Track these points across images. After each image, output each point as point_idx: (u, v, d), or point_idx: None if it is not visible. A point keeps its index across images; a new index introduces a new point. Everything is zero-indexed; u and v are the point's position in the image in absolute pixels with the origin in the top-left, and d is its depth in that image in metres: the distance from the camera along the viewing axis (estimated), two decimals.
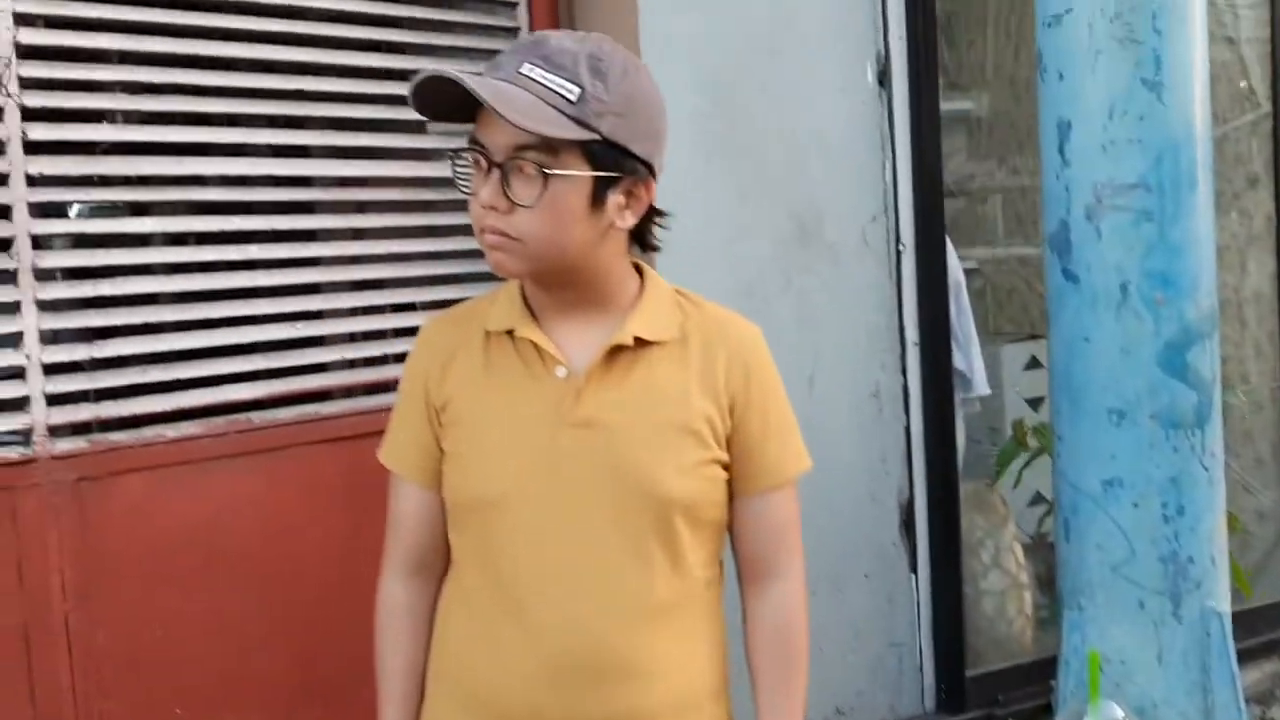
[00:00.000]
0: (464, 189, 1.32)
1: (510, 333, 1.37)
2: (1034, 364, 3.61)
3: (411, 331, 2.18)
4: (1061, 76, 1.97)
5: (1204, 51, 1.95)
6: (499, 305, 1.40)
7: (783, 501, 1.45)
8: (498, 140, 1.25)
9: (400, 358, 2.18)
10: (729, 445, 1.40)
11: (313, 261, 2.12)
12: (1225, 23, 3.25)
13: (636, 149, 1.30)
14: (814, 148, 2.51)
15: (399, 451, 1.43)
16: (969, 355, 2.89)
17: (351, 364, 2.16)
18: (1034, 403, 3.56)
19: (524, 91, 1.24)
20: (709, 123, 2.37)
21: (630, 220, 1.34)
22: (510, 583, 1.35)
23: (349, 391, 2.16)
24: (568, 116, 1.24)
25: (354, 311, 2.17)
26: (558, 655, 1.34)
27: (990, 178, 3.95)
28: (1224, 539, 2.04)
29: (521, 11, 2.31)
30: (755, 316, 2.48)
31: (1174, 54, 1.89)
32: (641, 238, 1.40)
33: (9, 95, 1.76)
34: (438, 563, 1.45)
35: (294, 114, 2.06)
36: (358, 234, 2.21)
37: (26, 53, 1.80)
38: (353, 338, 2.20)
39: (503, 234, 1.27)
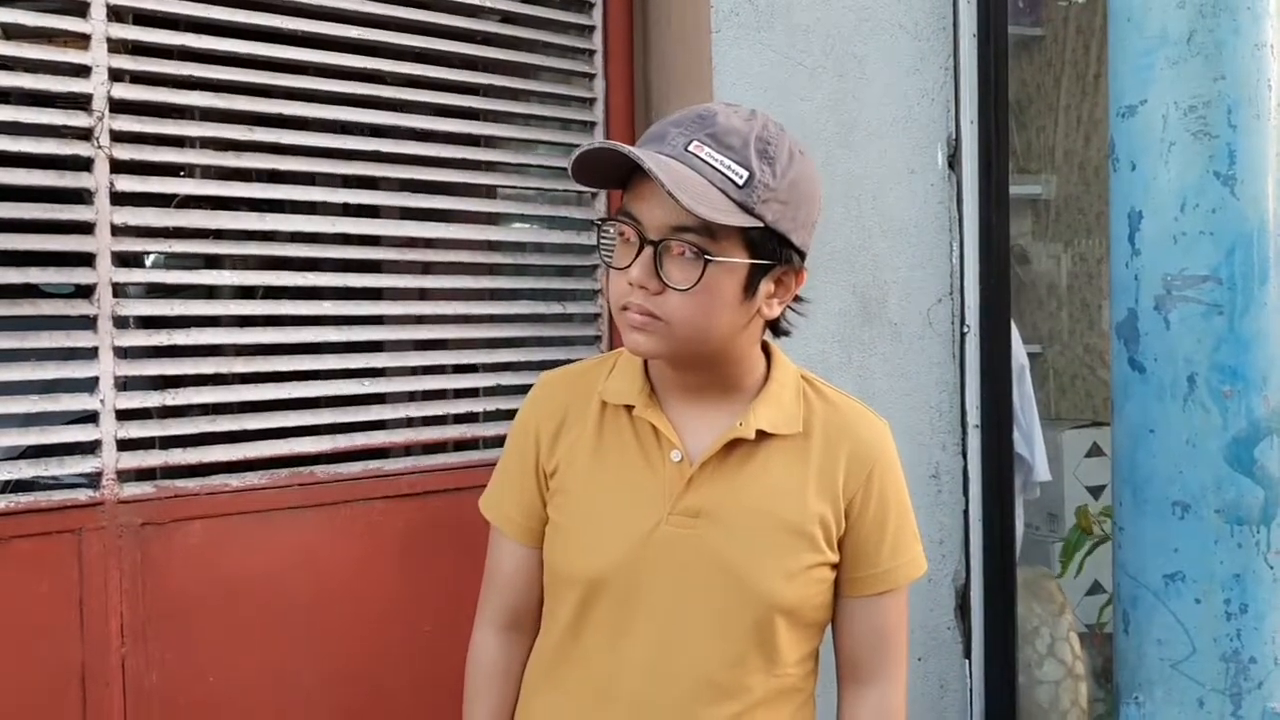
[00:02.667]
0: (607, 260, 1.28)
1: (629, 408, 1.34)
2: (1095, 451, 3.56)
3: (472, 393, 2.22)
4: (1134, 166, 1.96)
5: (1277, 146, 1.94)
6: (619, 376, 1.36)
7: (891, 606, 1.38)
8: (655, 217, 1.22)
9: (461, 418, 2.21)
10: (840, 545, 1.35)
11: (378, 320, 2.16)
12: None
13: (795, 239, 1.26)
14: (881, 228, 2.52)
15: (501, 506, 1.42)
16: (1031, 440, 2.87)
17: (410, 422, 2.18)
18: (1094, 490, 3.51)
19: (693, 172, 1.20)
20: None
21: (777, 310, 1.31)
22: (599, 664, 1.33)
23: (408, 449, 2.18)
24: (733, 201, 1.20)
25: (416, 370, 2.20)
26: None
27: (1057, 262, 3.93)
28: None
29: (599, 84, 2.36)
30: None
31: (1248, 148, 1.88)
32: (776, 324, 1.35)
33: (100, 147, 1.83)
34: (533, 620, 1.44)
35: (367, 174, 2.10)
36: (423, 294, 2.24)
37: (117, 106, 1.86)
38: (413, 396, 2.23)
39: (650, 314, 1.23)
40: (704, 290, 1.21)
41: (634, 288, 1.23)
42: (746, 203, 1.21)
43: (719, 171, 1.21)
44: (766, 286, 1.27)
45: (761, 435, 1.31)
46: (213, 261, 2.05)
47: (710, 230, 1.20)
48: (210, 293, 2.11)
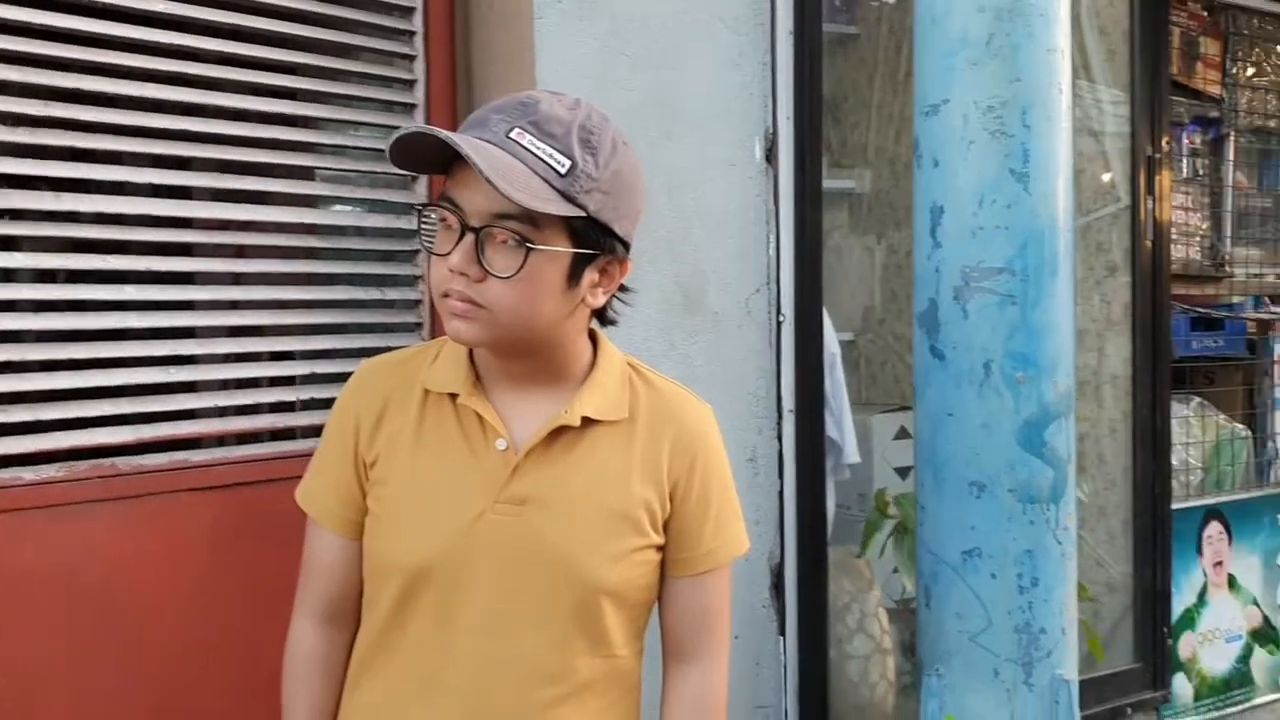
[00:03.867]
0: (428, 247, 1.27)
1: (453, 396, 1.33)
2: (902, 434, 3.72)
3: (288, 380, 2.16)
4: (937, 163, 2.06)
5: (1068, 146, 2.07)
6: (442, 364, 1.35)
7: (715, 585, 1.42)
8: (477, 204, 1.21)
9: (276, 407, 2.15)
10: (665, 528, 1.37)
11: (188, 305, 2.08)
12: (1091, 116, 3.44)
13: (618, 228, 1.27)
14: (701, 219, 2.58)
15: (319, 497, 1.39)
16: (841, 424, 2.97)
17: (224, 411, 2.11)
18: (901, 471, 3.66)
19: (514, 159, 1.20)
20: None
21: (601, 299, 1.32)
22: (425, 654, 1.32)
23: (222, 440, 2.11)
24: (556, 190, 1.20)
25: (229, 358, 2.13)
26: None
27: (870, 254, 4.08)
28: (1074, 610, 2.13)
29: (419, 66, 2.32)
30: None
31: (1041, 147, 2.00)
32: (602, 313, 1.36)
33: None
34: (353, 611, 1.41)
35: (178, 154, 2.02)
36: (236, 279, 2.17)
37: None
38: (226, 385, 2.16)
39: (471, 302, 1.23)
40: (526, 278, 1.22)
41: (455, 275, 1.22)
42: (569, 191, 1.21)
43: (541, 160, 1.21)
44: (590, 275, 1.29)
45: (587, 422, 1.33)
46: (8, 243, 1.94)
47: (532, 218, 1.20)
48: (7, 276, 1.99)
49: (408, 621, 1.33)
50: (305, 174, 2.27)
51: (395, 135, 1.21)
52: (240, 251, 2.19)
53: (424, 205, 1.31)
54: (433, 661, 1.32)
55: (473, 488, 1.31)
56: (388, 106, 2.33)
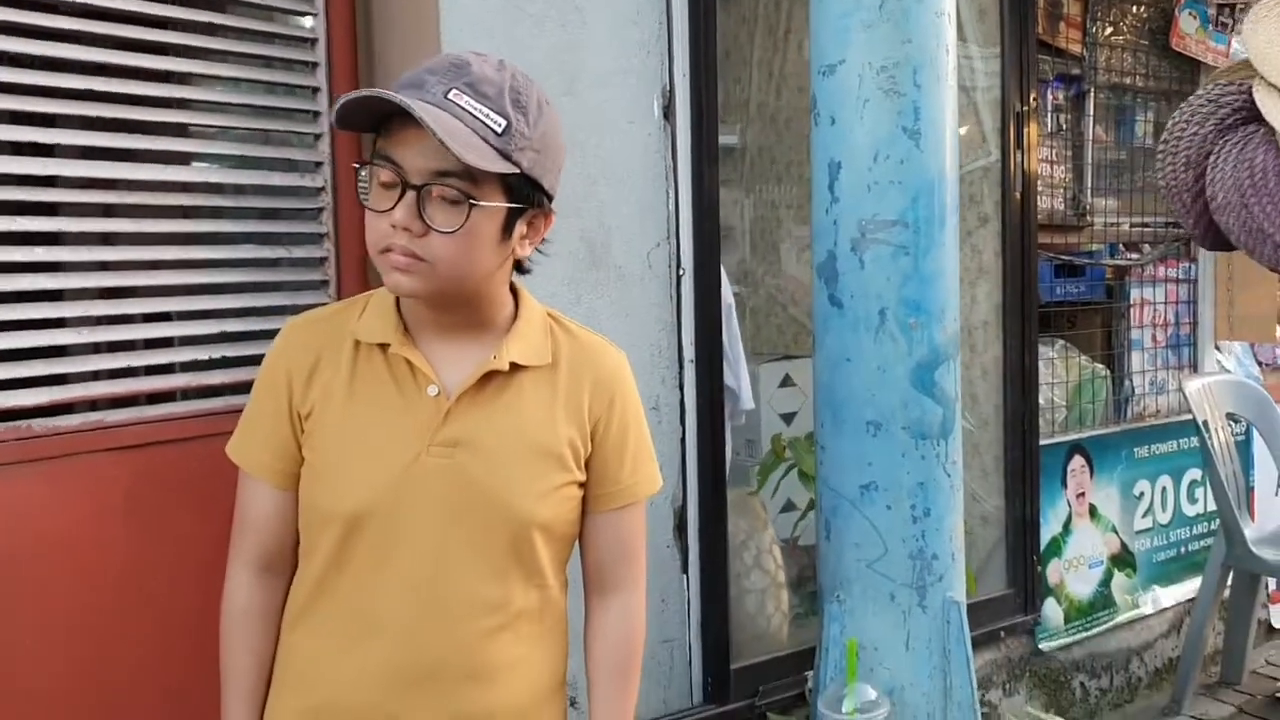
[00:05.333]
0: (365, 203, 1.32)
1: (383, 347, 1.38)
2: (787, 381, 3.87)
3: (166, 343, 2.15)
4: (834, 121, 2.17)
5: (954, 104, 2.20)
6: (371, 316, 1.41)
7: (632, 519, 1.53)
8: (417, 163, 1.27)
9: (153, 370, 2.14)
10: (587, 465, 1.47)
11: (55, 266, 2.04)
12: (964, 74, 3.58)
13: (545, 183, 1.36)
14: (604, 175, 2.65)
15: (252, 449, 1.43)
16: (738, 373, 3.09)
17: (96, 375, 2.07)
18: (787, 417, 3.82)
19: (456, 120, 1.26)
20: None
21: (528, 250, 1.40)
22: (363, 597, 1.38)
23: (94, 405, 2.09)
24: (494, 148, 1.28)
25: (101, 320, 2.11)
26: (410, 665, 1.38)
27: (752, 208, 4.20)
28: (962, 537, 2.30)
29: (319, 22, 2.32)
30: None
31: (930, 106, 2.13)
32: (519, 263, 1.45)
33: None
34: (288, 561, 1.47)
35: (40, 110, 1.97)
36: (106, 239, 2.14)
37: None
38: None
39: (413, 256, 1.29)
40: (466, 233, 1.29)
41: (397, 230, 1.28)
42: (505, 150, 1.29)
43: (479, 120, 1.28)
44: (520, 229, 1.37)
45: (514, 367, 1.41)
46: None
47: (472, 176, 1.27)
48: None
49: (346, 565, 1.39)
50: (178, 131, 2.23)
51: (345, 98, 1.27)
52: (109, 211, 2.15)
53: (362, 163, 1.35)
54: (372, 602, 1.38)
55: (407, 433, 1.37)
56: (290, 65, 2.33)
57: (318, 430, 1.39)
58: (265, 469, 1.42)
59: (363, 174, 1.33)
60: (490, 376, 1.40)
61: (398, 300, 1.41)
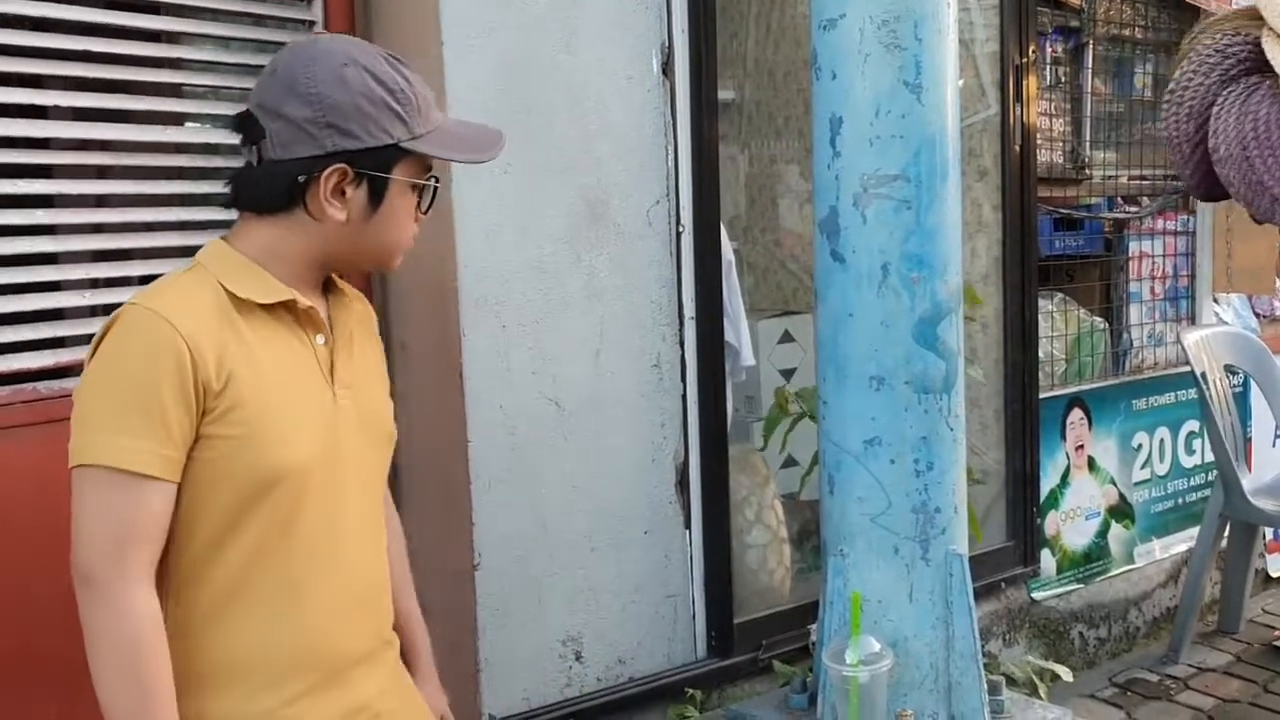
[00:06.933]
0: (424, 213, 1.53)
1: (273, 306, 1.42)
2: (786, 338, 3.87)
3: None
4: (835, 75, 2.16)
5: (955, 58, 2.19)
6: (247, 281, 1.41)
7: None
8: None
9: None
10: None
11: (51, 229, 2.03)
12: (963, 26, 3.57)
13: None
14: (603, 132, 2.64)
15: (147, 453, 1.31)
16: (738, 329, 3.10)
17: (90, 339, 2.07)
18: (786, 373, 3.83)
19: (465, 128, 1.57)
20: (504, 105, 2.46)
21: None
22: (323, 537, 1.44)
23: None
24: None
25: (98, 283, 2.10)
26: (358, 593, 1.50)
27: (749, 164, 4.18)
28: (964, 490, 2.31)
29: None
30: (547, 291, 2.61)
31: (931, 60, 2.12)
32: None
33: None
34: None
35: (32, 71, 1.96)
36: (101, 201, 2.13)
37: None
38: (95, 311, 2.11)
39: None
40: None
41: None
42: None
43: None
44: None
45: (344, 310, 1.55)
46: None
47: None
48: None
49: (303, 510, 1.41)
50: (172, 91, 2.22)
51: (491, 153, 1.53)
52: (102, 173, 2.15)
53: (426, 179, 1.51)
54: (330, 544, 1.45)
55: (316, 380, 1.46)
56: (282, 23, 2.31)
57: (239, 401, 1.35)
58: (167, 463, 1.33)
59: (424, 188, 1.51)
60: (346, 321, 1.53)
61: (259, 263, 1.44)
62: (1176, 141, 1.50)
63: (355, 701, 1.49)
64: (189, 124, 2.31)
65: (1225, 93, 1.40)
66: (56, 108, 2.03)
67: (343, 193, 1.42)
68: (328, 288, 1.54)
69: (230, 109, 2.26)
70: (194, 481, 1.36)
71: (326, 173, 1.40)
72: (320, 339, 1.46)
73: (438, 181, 1.53)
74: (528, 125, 2.50)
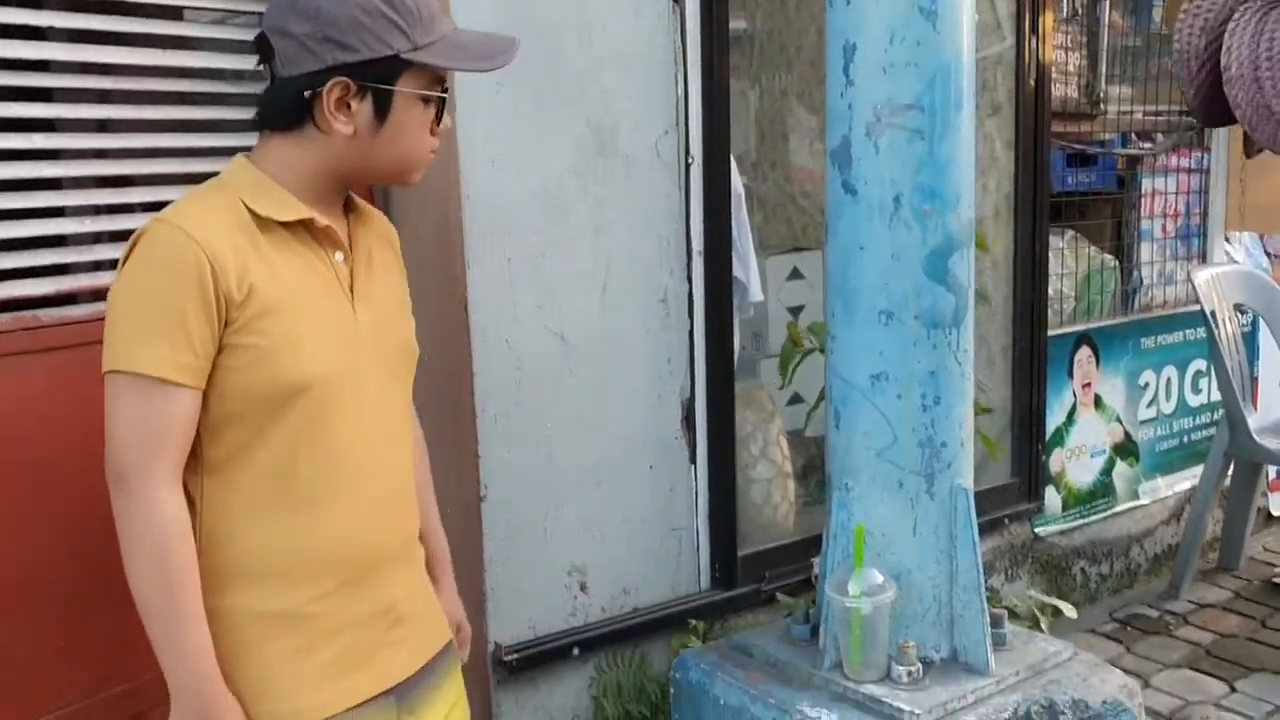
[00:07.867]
0: (442, 125, 1.54)
1: (293, 224, 1.45)
2: (795, 274, 3.84)
3: None
4: (849, 2, 2.12)
5: None
6: (266, 199, 1.44)
7: None
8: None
9: None
10: None
11: (51, 154, 2.00)
12: None
13: None
14: (611, 60, 2.59)
15: (174, 358, 1.36)
16: (746, 265, 3.07)
17: (98, 265, 2.04)
18: (794, 310, 3.80)
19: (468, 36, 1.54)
20: (509, 29, 2.39)
21: None
22: (350, 444, 1.48)
23: (97, 295, 2.06)
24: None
25: (100, 210, 2.07)
26: (387, 497, 1.54)
27: (759, 96, 4.12)
28: (970, 425, 2.29)
29: None
30: (553, 223, 2.58)
31: None
32: None
33: None
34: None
35: None
36: (103, 126, 2.10)
37: None
38: (99, 238, 2.10)
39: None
40: None
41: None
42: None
43: None
44: None
45: (364, 228, 1.58)
46: None
47: None
48: None
49: (329, 419, 1.45)
50: (174, 14, 2.16)
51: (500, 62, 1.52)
52: (104, 97, 2.09)
53: (442, 92, 1.52)
54: (355, 457, 1.49)
55: (336, 295, 1.48)
56: None
57: (261, 311, 1.40)
58: (190, 371, 1.37)
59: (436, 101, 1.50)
60: (362, 238, 1.56)
61: (277, 181, 1.47)
62: (1186, 57, 1.47)
63: (381, 602, 1.53)
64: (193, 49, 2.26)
65: (1242, 9, 1.38)
66: (55, 29, 1.99)
67: (348, 106, 1.44)
68: (349, 207, 1.57)
69: (234, 34, 2.23)
70: (220, 389, 1.41)
71: (328, 86, 1.42)
72: (339, 256, 1.49)
73: (445, 92, 1.51)
74: (535, 51, 2.45)
